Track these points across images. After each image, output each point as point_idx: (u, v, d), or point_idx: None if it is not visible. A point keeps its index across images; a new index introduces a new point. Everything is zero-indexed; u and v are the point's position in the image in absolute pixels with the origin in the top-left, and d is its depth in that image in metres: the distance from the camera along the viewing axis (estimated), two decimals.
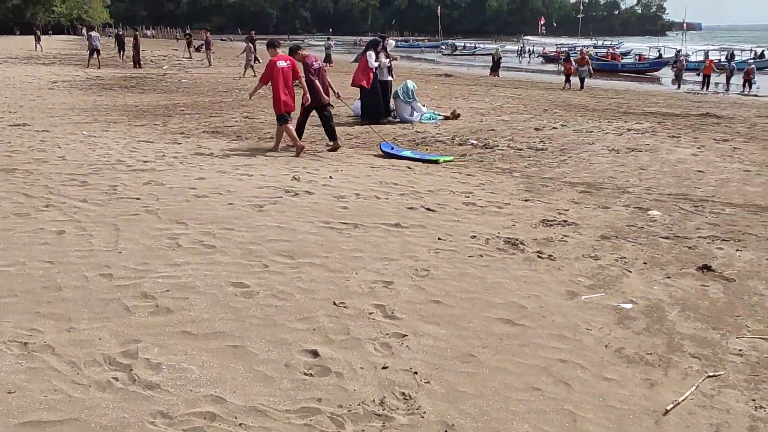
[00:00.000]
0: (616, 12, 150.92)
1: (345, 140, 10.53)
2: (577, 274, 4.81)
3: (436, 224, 5.84)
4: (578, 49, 63.23)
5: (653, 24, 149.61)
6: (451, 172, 8.31)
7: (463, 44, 73.35)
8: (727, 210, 6.86)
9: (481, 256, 5.09)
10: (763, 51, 55.57)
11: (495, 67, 35.74)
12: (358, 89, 13.19)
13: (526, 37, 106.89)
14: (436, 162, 8.98)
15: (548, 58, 59.32)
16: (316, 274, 4.46)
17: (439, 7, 78.55)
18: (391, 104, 13.42)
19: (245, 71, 24.16)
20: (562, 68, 32.27)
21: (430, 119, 13.35)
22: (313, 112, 9.68)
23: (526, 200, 6.99)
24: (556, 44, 70.64)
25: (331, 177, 7.43)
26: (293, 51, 9.83)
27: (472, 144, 10.63)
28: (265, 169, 7.90)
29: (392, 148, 9.60)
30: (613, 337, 3.83)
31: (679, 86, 32.05)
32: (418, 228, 5.70)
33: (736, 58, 48.56)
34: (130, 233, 5.06)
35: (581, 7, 76.90)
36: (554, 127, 12.76)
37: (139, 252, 4.66)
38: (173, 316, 3.69)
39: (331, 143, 9.74)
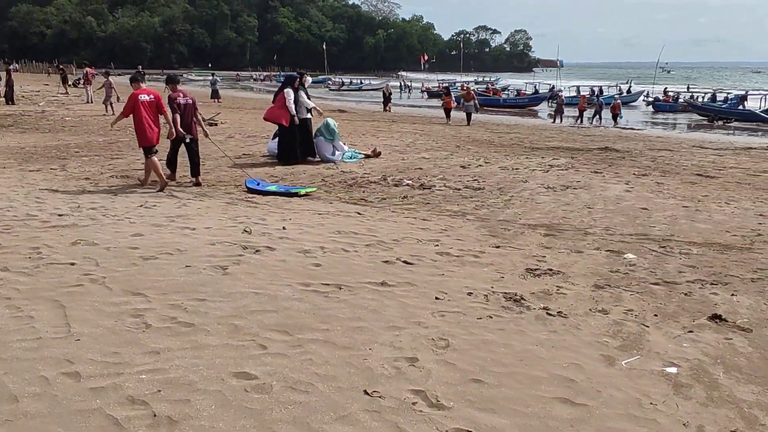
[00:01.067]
0: (487, 50, 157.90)
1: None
2: (599, 333, 4.41)
3: (423, 280, 5.29)
4: (458, 84, 65.44)
5: (521, 61, 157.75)
6: (403, 217, 7.79)
7: (349, 80, 73.73)
8: (694, 250, 6.75)
9: (491, 317, 4.58)
10: (629, 87, 59.61)
11: (386, 102, 35.84)
12: (275, 127, 12.49)
13: (402, 73, 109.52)
14: (297, 195, 9.06)
15: (431, 93, 60.64)
16: (326, 353, 3.78)
17: (324, 43, 78.85)
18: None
19: (107, 108, 23.09)
20: (443, 103, 32.93)
21: (351, 158, 12.84)
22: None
23: (497, 246, 6.58)
24: (438, 80, 72.62)
25: (284, 228, 6.71)
26: (173, 82, 10.09)
27: (407, 184, 10.19)
28: (205, 219, 7.06)
29: (258, 184, 9.59)
30: (685, 413, 3.42)
31: (560, 120, 33.35)
32: (406, 286, 5.11)
33: (605, 93, 51.75)
34: (79, 311, 4.14)
35: (462, 45, 79.35)
36: (479, 165, 12.59)
37: (102, 337, 3.78)
38: (181, 429, 2.90)
39: (193, 179, 9.80)
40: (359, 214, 7.83)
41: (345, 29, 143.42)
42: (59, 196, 8.26)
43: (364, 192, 9.54)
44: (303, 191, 9.26)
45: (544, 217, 8.07)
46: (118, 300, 4.36)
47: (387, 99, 36.02)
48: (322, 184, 10.19)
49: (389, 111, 34.28)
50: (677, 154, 17.07)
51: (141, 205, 7.77)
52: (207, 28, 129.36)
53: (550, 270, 5.81)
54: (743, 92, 48.69)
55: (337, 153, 12.71)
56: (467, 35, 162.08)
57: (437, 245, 6.47)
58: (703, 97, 48.64)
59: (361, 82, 71.63)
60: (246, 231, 6.40)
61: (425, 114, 35.65)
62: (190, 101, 9.86)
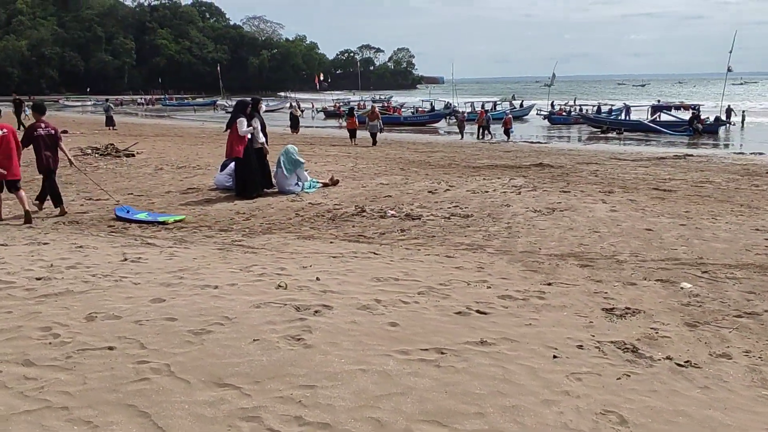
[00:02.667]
0: (372, 68, 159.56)
1: (242, 221, 8.92)
2: (750, 385, 3.99)
3: (517, 333, 4.69)
4: (353, 103, 65.33)
5: (405, 78, 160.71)
6: (424, 255, 7.14)
7: None
8: (737, 273, 6.54)
9: (627, 375, 4.06)
10: (522, 101, 61.66)
11: (295, 125, 34.83)
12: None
13: (290, 94, 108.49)
14: (165, 223, 8.95)
15: (329, 114, 60.16)
16: None
17: (218, 65, 76.66)
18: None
19: None
20: (345, 123, 32.55)
21: (310, 188, 12.04)
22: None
23: (549, 284, 6.08)
24: (333, 99, 72.28)
25: (318, 279, 5.89)
26: (39, 111, 9.89)
27: (392, 215, 9.55)
28: (216, 272, 6.12)
29: (128, 212, 9.54)
30: None
31: (482, 137, 33.67)
32: (507, 343, 4.50)
33: (497, 108, 53.25)
34: (173, 420, 3.23)
35: (358, 64, 79.71)
36: (446, 189, 12.13)
37: None
38: None
39: (57, 208, 9.69)
40: (376, 254, 7.11)
41: (228, 50, 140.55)
42: (14, 251, 7.01)
43: (354, 227, 8.81)
44: (171, 219, 9.16)
45: (561, 245, 7.66)
46: (209, 397, 3.47)
47: (296, 121, 35.02)
48: (299, 219, 9.37)
49: (297, 133, 33.34)
50: (607, 167, 17.39)
51: (125, 259, 6.70)
52: (80, 51, 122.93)
53: (628, 309, 5.38)
54: (623, 104, 51.39)
55: (300, 183, 11.86)
56: (352, 54, 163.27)
57: (490, 287, 5.88)
58: (588, 110, 51.03)
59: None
60: (281, 287, 5.55)
61: (332, 134, 35.05)
62: (52, 131, 9.73)
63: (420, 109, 53.55)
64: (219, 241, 7.90)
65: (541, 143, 32.31)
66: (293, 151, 12.04)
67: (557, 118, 48.45)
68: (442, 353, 4.24)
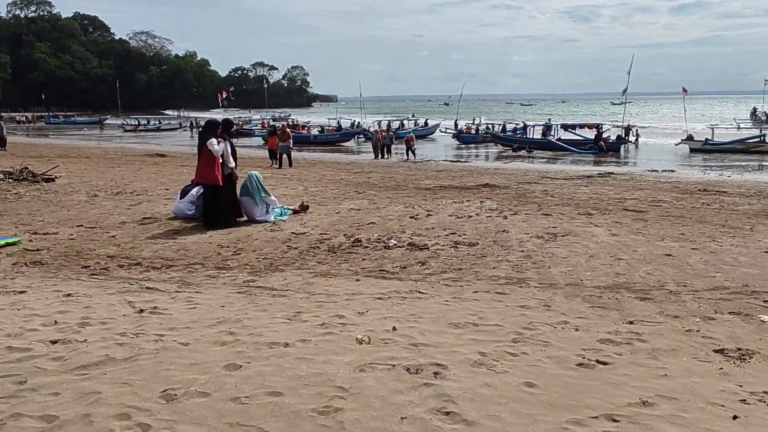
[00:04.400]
0: (266, 85, 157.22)
1: (233, 256, 8.03)
2: None
3: (663, 388, 4.16)
4: (256, 121, 63.88)
5: (300, 96, 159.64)
6: (473, 293, 6.53)
7: (146, 120, 68.60)
8: None
9: None
10: (426, 120, 62.29)
11: None
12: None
13: (184, 112, 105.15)
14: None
15: (237, 132, 58.25)
16: None
17: (117, 81, 72.86)
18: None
19: None
20: (265, 143, 31.47)
21: (281, 215, 11.15)
22: None
23: (631, 322, 5.62)
24: (235, 117, 70.27)
25: (395, 328, 5.15)
26: None
27: (395, 245, 8.88)
28: (270, 325, 5.23)
29: None
30: None
31: (381, 156, 33.32)
32: (665, 401, 3.96)
33: (405, 126, 53.53)
34: None
35: (265, 83, 78.23)
36: (427, 215, 11.58)
37: None
38: None
39: None
40: (421, 293, 6.43)
41: (113, 66, 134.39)
42: None
43: (363, 260, 8.08)
44: (3, 242, 8.64)
45: (599, 276, 7.27)
46: None
47: None
48: (296, 252, 8.53)
49: None
50: (552, 186, 17.48)
51: (141, 311, 5.67)
52: None
53: (739, 350, 5.00)
54: (522, 123, 52.99)
55: (270, 210, 10.94)
56: (245, 71, 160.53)
57: (577, 329, 5.35)
58: (490, 128, 52.14)
59: (160, 122, 67.13)
60: (363, 341, 4.77)
61: (248, 154, 33.76)
62: None
63: (331, 128, 52.76)
64: (228, 282, 6.96)
65: (462, 162, 32.52)
66: (259, 177, 11.11)
67: (466, 137, 49.21)
68: (615, 420, 3.64)
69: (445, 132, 55.83)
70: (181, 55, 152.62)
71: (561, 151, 40.11)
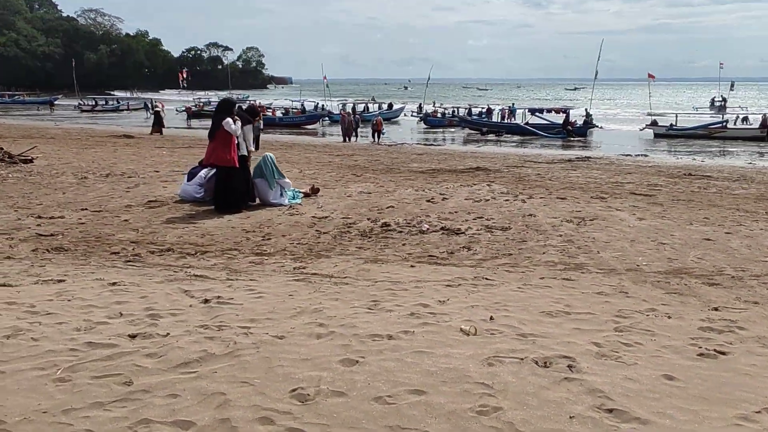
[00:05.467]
0: (220, 66, 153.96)
1: (262, 241, 7.67)
2: None
3: None
4: (214, 102, 62.40)
5: (255, 78, 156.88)
6: (539, 279, 6.31)
7: (104, 100, 66.32)
8: None
9: None
10: (391, 103, 61.90)
11: (158, 122, 32.14)
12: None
13: (139, 94, 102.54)
14: None
15: (194, 114, 57.07)
16: None
17: (73, 60, 70.33)
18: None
19: None
20: None
21: (294, 198, 10.75)
22: None
23: (716, 309, 5.48)
24: (195, 98, 68.69)
25: (492, 318, 4.89)
26: None
27: (427, 229, 8.62)
28: (359, 316, 4.91)
29: None
30: None
31: (348, 139, 32.90)
32: None
33: (370, 109, 53.13)
34: None
35: (231, 65, 76.55)
36: (443, 198, 11.32)
37: None
38: None
39: None
40: (488, 279, 6.18)
41: (61, 44, 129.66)
42: (20, 290, 5.35)
43: (404, 245, 7.79)
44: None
45: (653, 261, 7.12)
46: None
47: (159, 119, 32.34)
48: (329, 237, 8.19)
49: (161, 134, 30.78)
50: (544, 170, 17.42)
51: (206, 300, 5.28)
52: None
53: None
54: (487, 107, 53.14)
55: (284, 193, 10.52)
56: (199, 52, 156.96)
57: (670, 317, 5.17)
58: (455, 112, 52.08)
59: (119, 102, 64.99)
60: (468, 332, 4.49)
61: (202, 136, 32.79)
62: None
63: (296, 110, 51.92)
64: (276, 269, 6.59)
65: (437, 146, 32.37)
66: (273, 158, 10.68)
67: (433, 120, 49.04)
68: None
69: (413, 116, 55.61)
70: (132, 34, 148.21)
71: (530, 135, 40.30)
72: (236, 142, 9.77)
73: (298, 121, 47.81)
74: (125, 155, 18.78)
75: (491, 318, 4.83)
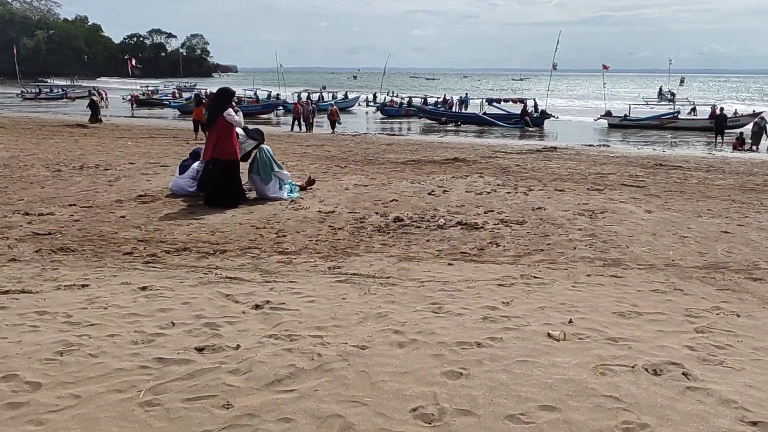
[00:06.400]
0: (163, 54, 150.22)
1: (276, 238, 7.32)
2: None
3: None
4: (167, 92, 60.88)
5: (200, 66, 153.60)
6: (586, 276, 6.13)
7: (49, 88, 63.65)
8: None
9: None
10: (346, 92, 61.29)
11: (96, 113, 30.79)
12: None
13: (77, 80, 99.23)
14: None
15: (141, 102, 55.53)
16: None
17: (14, 47, 67.36)
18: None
19: None
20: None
21: (291, 191, 10.36)
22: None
23: None
24: (141, 85, 66.75)
25: (571, 321, 4.67)
26: None
27: (443, 224, 8.37)
28: (432, 320, 4.63)
29: None
30: None
31: (300, 129, 32.33)
32: None
33: (327, 100, 52.51)
34: None
35: (175, 52, 74.63)
36: (443, 191, 11.08)
37: None
38: None
39: None
40: (537, 278, 5.97)
41: None
42: (46, 296, 4.89)
43: (430, 241, 7.52)
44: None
45: (687, 256, 7.02)
46: None
47: (96, 109, 30.99)
48: (343, 233, 7.86)
49: (100, 123, 29.56)
50: (521, 161, 17.41)
51: (257, 306, 4.92)
52: None
53: None
54: (443, 97, 53.21)
55: (282, 186, 10.11)
56: (141, 38, 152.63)
57: (739, 315, 5.06)
58: (411, 101, 51.91)
59: (64, 90, 62.51)
60: (557, 338, 4.27)
61: (158, 125, 31.94)
62: None
63: (251, 99, 50.93)
64: (310, 268, 6.25)
65: (401, 136, 32.12)
66: (269, 150, 10.25)
67: (390, 110, 48.83)
68: None
69: (369, 106, 55.28)
70: (70, 19, 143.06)
71: (488, 125, 40.49)
72: (242, 124, 9.31)
73: (252, 110, 46.82)
74: (89, 146, 17.95)
75: (570, 321, 4.61)
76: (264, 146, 10.18)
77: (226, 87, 10.06)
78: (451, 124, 41.11)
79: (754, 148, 28.42)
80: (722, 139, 31.73)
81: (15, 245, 6.88)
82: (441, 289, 5.47)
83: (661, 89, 70.15)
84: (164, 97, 58.19)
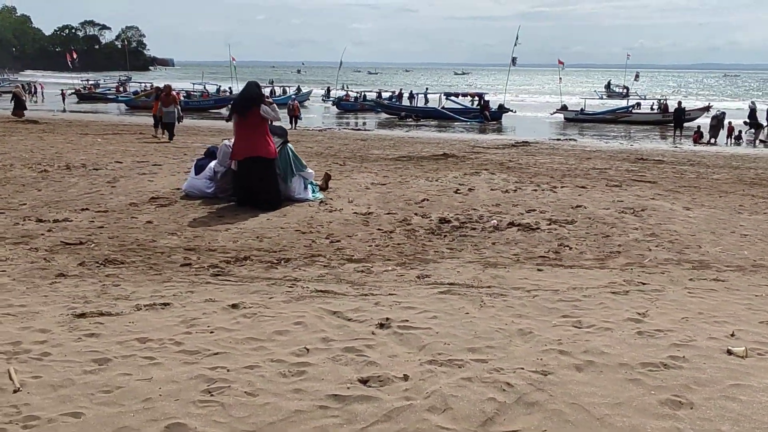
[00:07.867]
0: (97, 46, 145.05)
1: (332, 244, 6.83)
2: None
3: None
4: (111, 87, 58.66)
5: (137, 59, 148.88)
6: (692, 282, 5.84)
7: None
8: None
9: None
10: (299, 87, 60.34)
11: (19, 106, 29.13)
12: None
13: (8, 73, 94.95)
14: None
15: (83, 96, 53.43)
16: None
17: None
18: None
19: None
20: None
21: (314, 192, 9.81)
22: None
23: None
24: (82, 79, 64.12)
25: (733, 334, 4.34)
26: None
27: (496, 225, 8.00)
28: (597, 346, 4.22)
29: None
30: None
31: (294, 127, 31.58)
32: None
33: (288, 93, 51.53)
34: None
35: (109, 45, 71.89)
36: (470, 189, 10.71)
37: None
38: None
39: None
40: (645, 284, 5.64)
41: None
42: (136, 319, 4.30)
43: (496, 244, 7.13)
44: None
45: (766, 256, 6.85)
46: None
47: (20, 102, 29.27)
48: (398, 236, 7.39)
49: (23, 116, 28.03)
50: (508, 156, 17.27)
51: (380, 324, 4.43)
52: None
53: None
54: (396, 91, 52.92)
55: (307, 186, 9.55)
56: (73, 30, 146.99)
57: None
58: (364, 95, 51.28)
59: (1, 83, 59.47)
60: (741, 355, 3.92)
61: (112, 121, 30.63)
62: None
63: (204, 93, 49.50)
64: (397, 278, 5.77)
65: (367, 131, 31.59)
66: (292, 148, 9.66)
67: (346, 105, 48.24)
68: None
69: (323, 100, 54.58)
70: None
71: (447, 119, 40.41)
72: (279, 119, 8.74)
73: (205, 105, 45.57)
74: (59, 143, 16.87)
75: (732, 334, 4.28)
76: (288, 144, 9.58)
77: (254, 81, 9.43)
78: (410, 119, 40.81)
79: (713, 141, 29.08)
80: (681, 132, 32.42)
81: (51, 257, 6.15)
82: (559, 300, 5.08)
83: (609, 83, 71.64)
84: (107, 91, 56.03)
